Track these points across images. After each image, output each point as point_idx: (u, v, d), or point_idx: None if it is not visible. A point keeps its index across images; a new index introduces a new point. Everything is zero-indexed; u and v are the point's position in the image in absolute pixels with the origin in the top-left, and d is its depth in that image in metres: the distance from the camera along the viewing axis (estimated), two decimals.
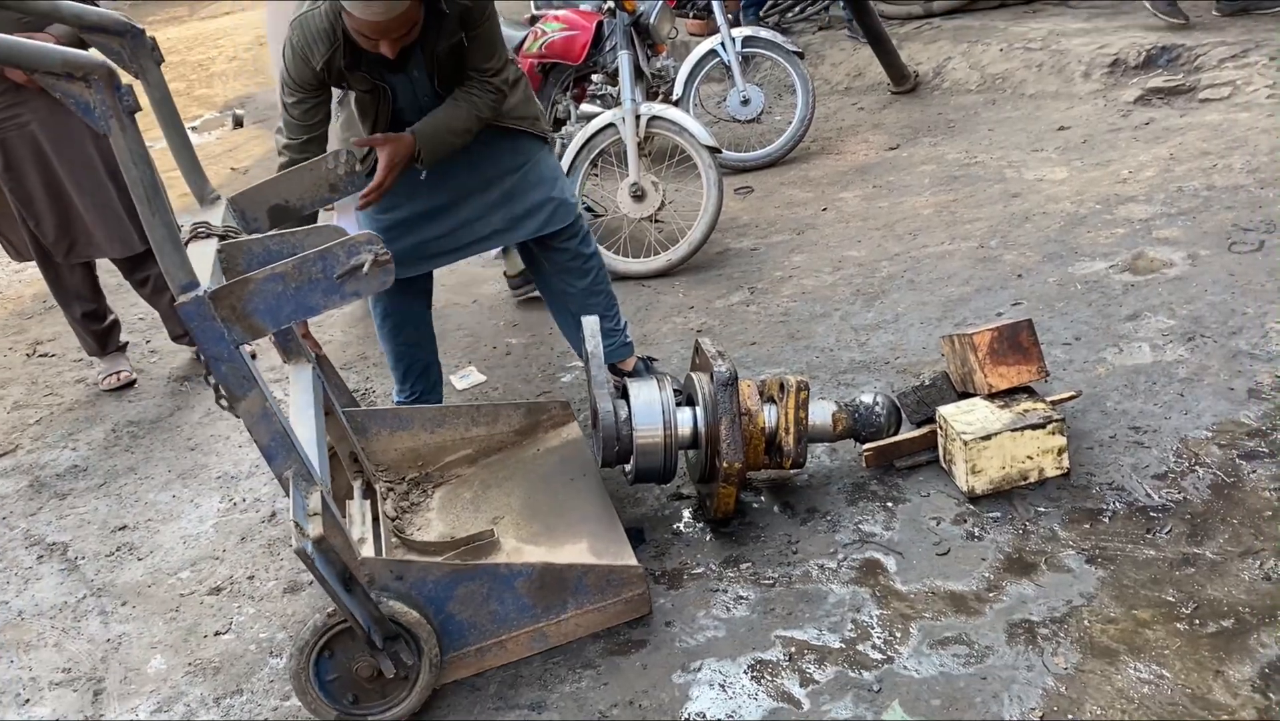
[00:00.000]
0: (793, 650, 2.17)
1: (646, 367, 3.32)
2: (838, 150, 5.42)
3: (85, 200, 3.62)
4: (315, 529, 1.95)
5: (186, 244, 2.13)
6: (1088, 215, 3.92)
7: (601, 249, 4.29)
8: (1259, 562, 2.17)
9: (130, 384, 3.99)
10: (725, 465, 2.46)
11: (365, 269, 1.93)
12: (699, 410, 2.56)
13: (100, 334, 4.00)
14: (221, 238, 2.26)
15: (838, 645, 2.17)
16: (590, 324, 2.67)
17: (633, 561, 2.37)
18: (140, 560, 2.94)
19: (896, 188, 4.71)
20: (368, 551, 2.49)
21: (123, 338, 4.13)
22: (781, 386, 2.60)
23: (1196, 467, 2.48)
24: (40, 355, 4.53)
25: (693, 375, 2.67)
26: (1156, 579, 2.18)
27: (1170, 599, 2.13)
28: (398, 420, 2.85)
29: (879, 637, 2.17)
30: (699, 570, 2.46)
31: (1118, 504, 2.42)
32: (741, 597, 2.35)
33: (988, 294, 3.50)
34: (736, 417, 2.46)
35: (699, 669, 2.17)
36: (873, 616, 2.23)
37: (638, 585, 2.32)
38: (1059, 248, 3.71)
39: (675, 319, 3.82)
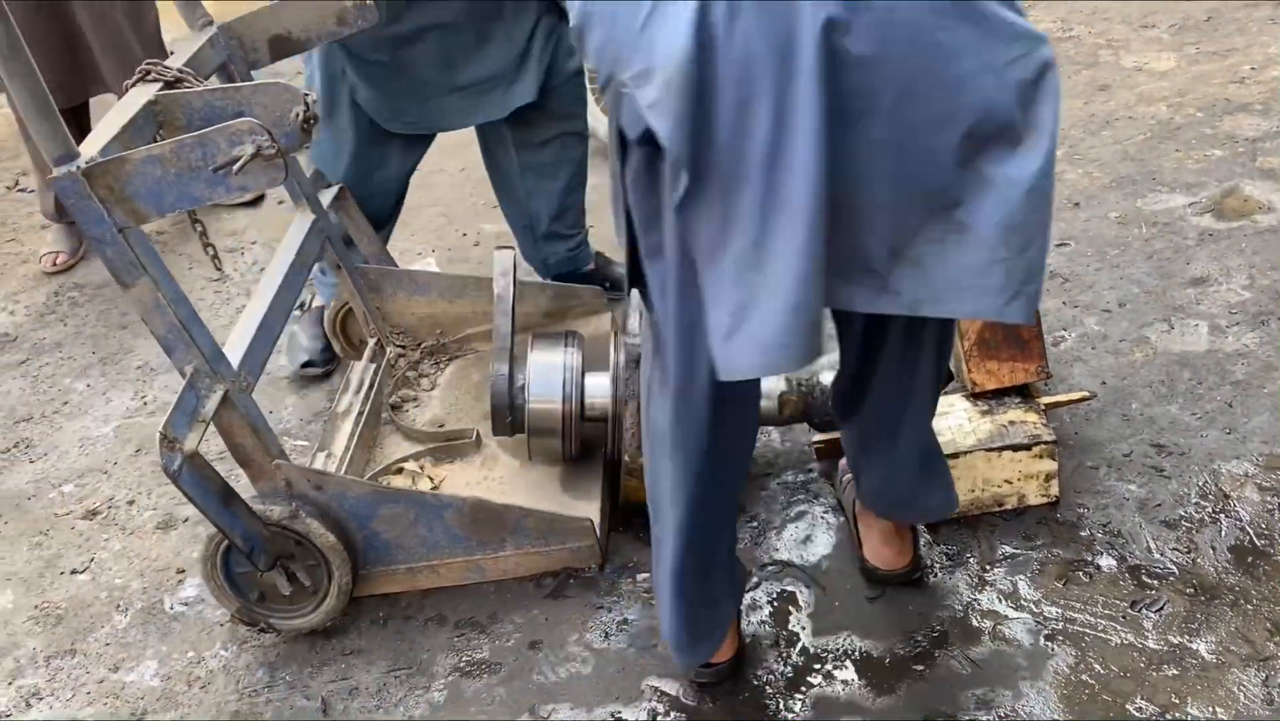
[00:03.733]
0: (659, 710, 1.80)
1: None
2: None
3: (97, 26, 3.17)
4: (192, 441, 1.74)
5: (131, 86, 1.90)
6: (1183, 126, 3.21)
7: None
8: (1264, 675, 1.69)
9: (69, 267, 3.66)
10: (628, 458, 2.04)
11: (240, 165, 1.60)
12: (610, 381, 2.12)
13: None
14: (173, 83, 1.93)
15: (709, 709, 1.79)
16: (503, 260, 2.22)
17: (584, 511, 2.12)
18: (32, 463, 2.70)
19: None
20: (347, 425, 2.34)
21: None
22: None
23: (1221, 516, 1.96)
24: (20, 189, 4.26)
25: (613, 336, 2.22)
26: (1128, 675, 1.72)
27: (1137, 714, 1.67)
28: (414, 284, 2.63)
29: (763, 705, 1.78)
30: (590, 575, 2.09)
31: (1107, 557, 1.93)
32: (625, 623, 1.98)
33: None
34: None
35: (550, 714, 1.83)
36: (765, 674, 1.83)
37: (586, 537, 2.07)
38: (1135, 169, 3.04)
39: None
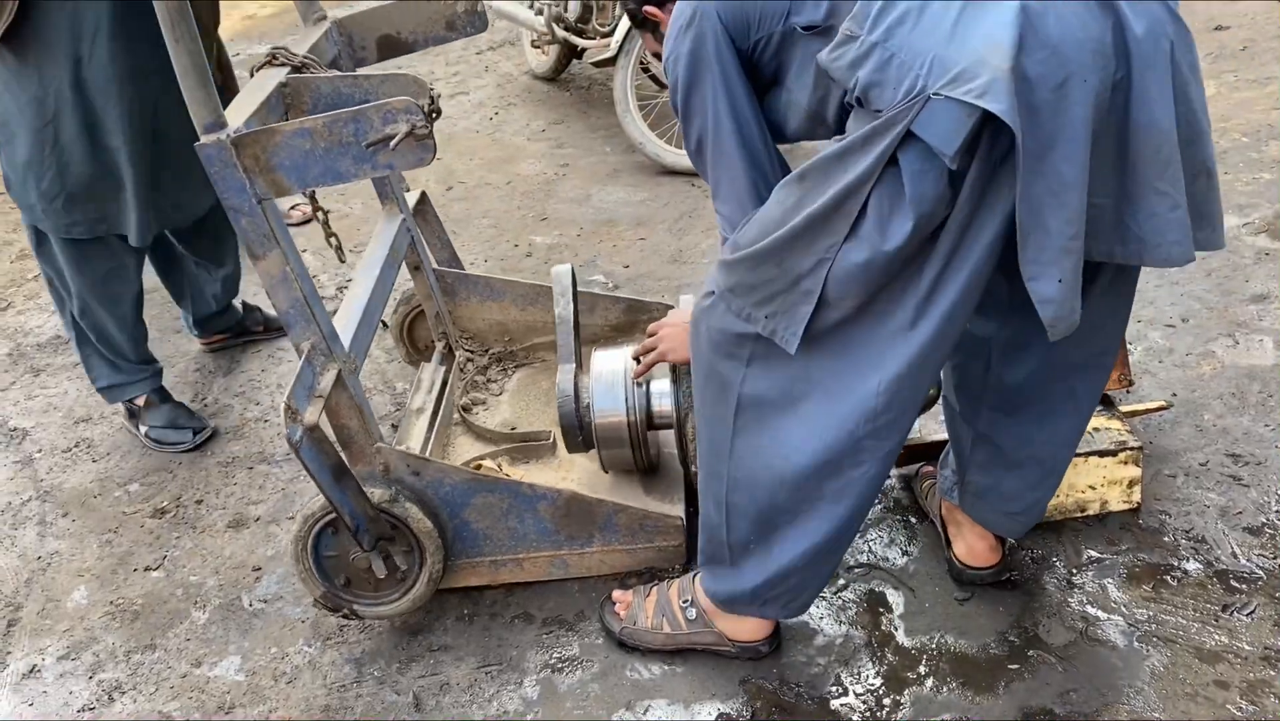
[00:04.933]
0: (758, 705, 1.81)
1: None
2: None
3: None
4: (311, 414, 1.75)
5: (257, 70, 1.96)
6: (1229, 150, 3.27)
7: (653, 135, 3.81)
8: None
9: None
10: (692, 470, 2.05)
11: (396, 141, 1.62)
12: (672, 388, 2.13)
13: None
14: (297, 69, 1.99)
15: (810, 706, 1.80)
16: (561, 278, 2.22)
17: (674, 511, 2.11)
18: (95, 462, 2.70)
19: None
20: (422, 422, 2.36)
21: None
22: None
23: None
24: None
25: None
26: (1223, 680, 1.74)
27: (1236, 713, 1.69)
28: (489, 289, 2.67)
29: (861, 703, 1.79)
30: (672, 575, 2.10)
31: (1193, 562, 1.96)
32: None
33: None
34: None
35: (646, 711, 1.84)
36: (861, 673, 1.85)
37: (674, 536, 2.08)
38: None
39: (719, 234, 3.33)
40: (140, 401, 2.74)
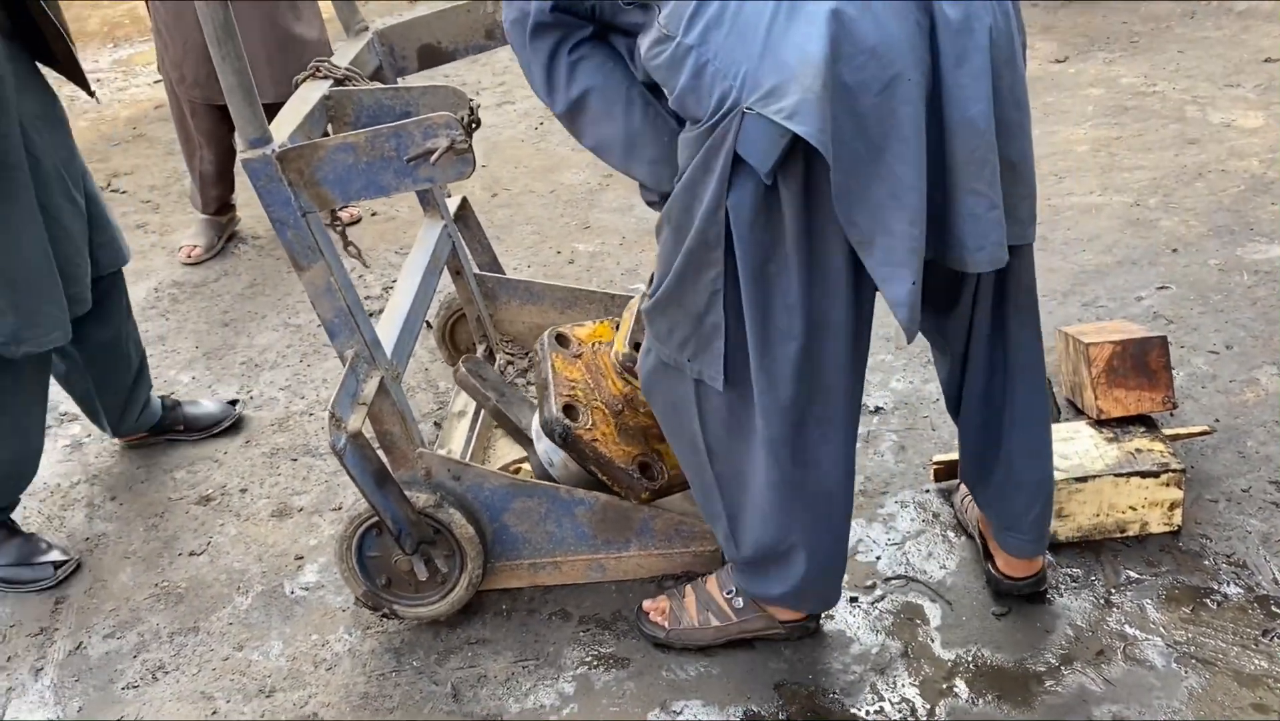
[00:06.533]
0: (792, 709, 1.83)
1: None
2: None
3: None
4: (355, 422, 1.80)
5: (301, 83, 2.01)
6: (1276, 181, 3.26)
7: None
8: None
9: (200, 262, 3.72)
10: (632, 502, 2.04)
11: (437, 156, 1.66)
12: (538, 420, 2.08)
13: (213, 189, 3.74)
14: (340, 81, 2.05)
15: (845, 713, 1.81)
16: (462, 381, 2.17)
17: None
18: (141, 449, 2.76)
19: (1054, 112, 4.05)
20: (463, 425, 2.40)
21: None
22: None
23: None
24: (112, 190, 4.38)
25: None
26: (1262, 704, 1.74)
27: None
28: (529, 293, 2.71)
29: (896, 712, 1.80)
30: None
31: (1233, 586, 1.95)
32: None
33: (1132, 269, 2.94)
34: (603, 461, 1.98)
35: (680, 712, 1.85)
36: (897, 682, 1.85)
37: (710, 541, 2.09)
38: (1231, 219, 3.09)
39: None
40: None
